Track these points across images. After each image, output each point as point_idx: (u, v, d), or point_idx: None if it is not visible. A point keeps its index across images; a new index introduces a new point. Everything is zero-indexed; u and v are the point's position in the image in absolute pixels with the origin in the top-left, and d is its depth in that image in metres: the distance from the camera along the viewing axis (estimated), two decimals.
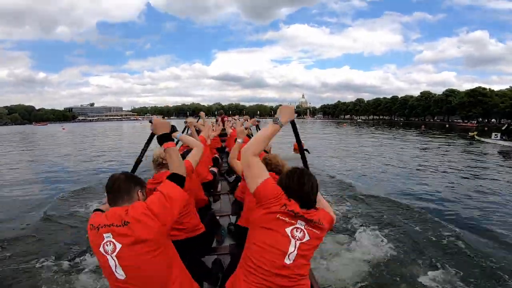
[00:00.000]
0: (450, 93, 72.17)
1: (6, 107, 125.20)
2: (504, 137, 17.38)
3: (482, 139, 19.24)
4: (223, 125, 7.17)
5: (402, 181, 8.26)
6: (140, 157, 2.00)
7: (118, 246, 1.23)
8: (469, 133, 24.64)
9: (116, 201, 1.35)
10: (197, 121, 4.89)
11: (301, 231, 1.33)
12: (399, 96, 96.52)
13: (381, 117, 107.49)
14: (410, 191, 7.10)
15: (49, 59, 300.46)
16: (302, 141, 1.90)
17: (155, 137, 1.54)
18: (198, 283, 1.50)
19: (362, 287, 2.96)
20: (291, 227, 1.32)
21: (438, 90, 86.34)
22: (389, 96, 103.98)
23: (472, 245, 3.93)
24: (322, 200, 1.55)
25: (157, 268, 1.27)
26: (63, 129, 46.67)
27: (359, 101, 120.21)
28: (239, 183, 3.25)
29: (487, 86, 65.99)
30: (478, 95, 62.35)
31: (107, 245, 1.23)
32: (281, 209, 1.33)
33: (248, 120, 4.81)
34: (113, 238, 1.23)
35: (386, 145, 17.96)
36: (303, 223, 1.33)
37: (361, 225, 4.51)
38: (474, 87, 65.08)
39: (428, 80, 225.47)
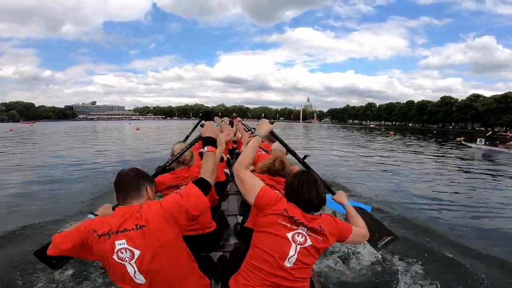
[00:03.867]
0: (476, 99, 66.08)
1: (4, 104, 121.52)
2: (487, 143, 19.58)
3: (468, 144, 21.04)
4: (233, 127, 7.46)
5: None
6: (169, 164, 2.16)
7: (137, 252, 1.15)
8: (457, 138, 26.55)
9: (125, 199, 1.26)
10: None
11: (302, 236, 1.35)
12: (416, 101, 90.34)
13: (393, 122, 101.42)
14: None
15: (55, 57, 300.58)
16: (296, 152, 2.04)
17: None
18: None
19: None
20: (292, 232, 1.35)
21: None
22: (393, 101, 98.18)
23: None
24: (356, 217, 1.65)
25: (176, 267, 1.24)
26: (11, 130, 37.44)
27: (370, 105, 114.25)
28: None
29: (492, 93, 60.81)
30: (510, 101, 56.33)
31: (121, 252, 1.14)
32: (283, 213, 1.37)
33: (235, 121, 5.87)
34: (127, 244, 1.14)
35: None
36: (305, 228, 1.36)
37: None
38: (479, 93, 58.77)
39: (433, 86, 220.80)
